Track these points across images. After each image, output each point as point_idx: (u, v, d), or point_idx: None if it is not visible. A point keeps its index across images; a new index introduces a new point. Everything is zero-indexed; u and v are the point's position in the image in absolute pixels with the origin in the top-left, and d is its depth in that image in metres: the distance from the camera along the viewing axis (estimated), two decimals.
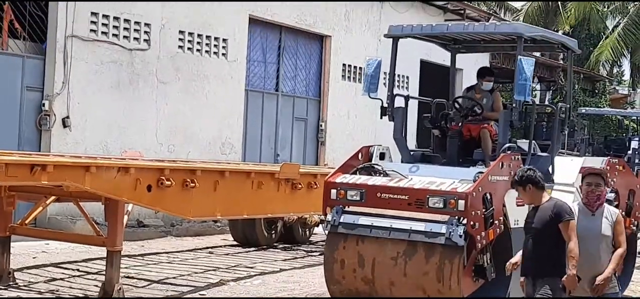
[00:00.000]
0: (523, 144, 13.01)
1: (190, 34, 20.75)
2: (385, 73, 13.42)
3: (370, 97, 12.46)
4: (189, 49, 20.75)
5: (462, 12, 29.99)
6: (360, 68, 25.88)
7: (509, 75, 32.02)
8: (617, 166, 13.82)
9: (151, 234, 18.69)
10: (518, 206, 11.10)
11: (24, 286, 12.83)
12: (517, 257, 9.25)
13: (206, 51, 21.23)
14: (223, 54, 21.67)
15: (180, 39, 20.50)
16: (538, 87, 42.50)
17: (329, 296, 11.67)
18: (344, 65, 25.72)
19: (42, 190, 12.40)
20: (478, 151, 12.68)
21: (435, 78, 27.03)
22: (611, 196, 12.53)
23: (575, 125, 14.77)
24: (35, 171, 10.47)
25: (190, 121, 20.72)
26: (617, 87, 57.36)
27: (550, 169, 12.66)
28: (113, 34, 18.92)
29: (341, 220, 11.26)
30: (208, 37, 21.24)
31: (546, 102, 37.31)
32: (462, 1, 30.43)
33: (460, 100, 13.47)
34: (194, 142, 20.78)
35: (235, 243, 18.53)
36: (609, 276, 8.75)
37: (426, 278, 10.75)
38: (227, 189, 13.80)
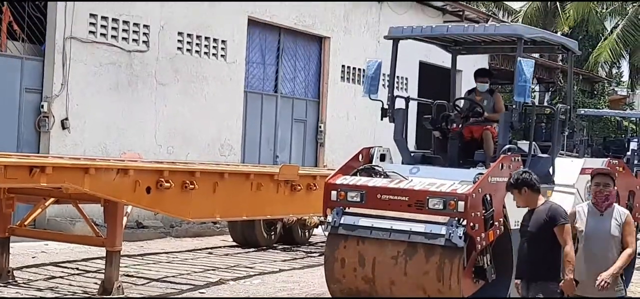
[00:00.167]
0: (523, 145, 12.99)
1: (189, 35, 20.74)
2: (384, 74, 13.41)
3: (370, 98, 12.45)
4: (188, 50, 20.73)
5: (461, 13, 29.96)
6: (360, 69, 25.88)
7: (508, 76, 32.01)
8: (617, 167, 13.81)
9: (150, 235, 18.68)
10: (518, 207, 11.08)
11: (23, 283, 12.86)
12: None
13: (205, 53, 21.21)
14: (222, 56, 21.65)
15: (179, 41, 20.49)
16: (537, 88, 42.53)
17: (329, 295, 11.66)
18: (343, 66, 25.70)
19: (41, 192, 12.40)
20: (479, 153, 12.67)
21: (434, 79, 27.03)
22: None
23: (574, 126, 14.77)
24: (34, 173, 10.46)
25: (190, 123, 20.70)
26: (616, 89, 57.32)
27: (550, 170, 12.65)
28: (112, 36, 18.91)
29: (341, 221, 11.26)
30: (207, 38, 21.23)
31: (545, 104, 37.30)
32: (459, 0, 30.41)
33: (462, 102, 13.47)
34: (193, 144, 20.76)
35: (234, 243, 18.51)
36: (615, 273, 8.62)
37: (426, 278, 10.76)
38: (226, 190, 13.79)
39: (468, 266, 10.91)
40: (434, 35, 13.35)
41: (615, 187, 8.99)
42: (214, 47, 21.42)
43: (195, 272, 14.87)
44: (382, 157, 12.39)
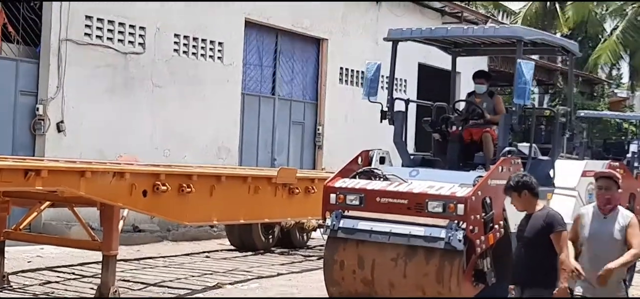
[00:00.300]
0: (523, 147, 12.91)
1: (186, 37, 20.64)
2: (384, 76, 13.34)
3: (370, 101, 12.40)
4: (184, 52, 20.63)
5: (460, 15, 29.92)
6: (358, 71, 25.82)
7: (507, 78, 31.95)
8: (618, 170, 13.70)
9: (147, 239, 18.59)
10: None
11: (19, 288, 12.78)
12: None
13: (202, 55, 21.11)
14: (219, 58, 21.55)
15: (175, 43, 20.38)
16: (536, 90, 42.47)
17: (328, 298, 11.59)
18: (341, 68, 25.62)
19: (36, 195, 12.30)
20: (479, 155, 12.61)
21: (432, 81, 26.94)
22: None
23: (574, 128, 14.66)
24: (30, 176, 10.34)
25: (186, 125, 20.58)
26: (615, 90, 57.30)
27: (551, 173, 12.57)
28: (108, 38, 18.80)
29: (340, 225, 11.25)
30: (204, 40, 21.13)
31: (544, 105, 37.23)
32: (455, 1, 30.36)
33: (462, 104, 13.41)
34: (190, 147, 20.64)
35: (232, 247, 18.42)
36: (617, 267, 8.45)
37: (426, 280, 10.77)
38: (223, 194, 13.70)
39: (468, 269, 10.86)
40: (434, 37, 13.30)
41: (620, 190, 8.84)
42: (210, 49, 21.32)
43: (193, 276, 14.80)
44: (382, 160, 12.36)
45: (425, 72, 28.00)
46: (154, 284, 13.73)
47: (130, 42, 19.28)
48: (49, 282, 13.42)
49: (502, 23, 41.44)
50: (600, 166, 13.38)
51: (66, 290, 12.94)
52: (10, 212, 13.01)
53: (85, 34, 18.33)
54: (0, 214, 12.73)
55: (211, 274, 15.13)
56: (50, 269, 14.53)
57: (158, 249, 17.74)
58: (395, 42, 12.94)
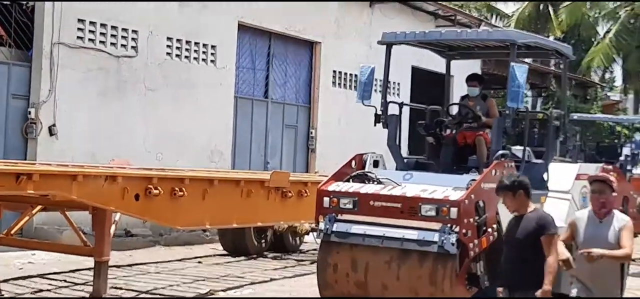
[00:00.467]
0: (516, 151, 12.90)
1: (179, 40, 20.59)
2: (377, 80, 13.32)
3: (364, 104, 12.37)
4: (177, 56, 20.58)
5: (453, 18, 29.90)
6: (351, 75, 25.80)
7: (500, 81, 31.92)
8: (612, 173, 13.71)
9: (139, 243, 18.54)
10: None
11: (10, 297, 12.66)
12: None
13: (195, 58, 21.06)
14: (212, 61, 21.50)
15: (168, 46, 20.33)
16: (529, 93, 42.47)
17: None
18: (334, 72, 25.59)
19: (28, 199, 12.24)
20: (473, 158, 12.60)
21: (426, 84, 26.91)
22: None
23: (567, 131, 14.61)
24: (21, 180, 10.33)
25: (179, 129, 20.53)
26: (608, 93, 57.37)
27: (545, 176, 12.56)
28: (100, 41, 18.74)
29: (334, 228, 11.24)
30: (196, 43, 21.08)
31: (537, 109, 37.24)
32: (447, 0, 30.36)
33: (455, 107, 13.41)
34: (183, 150, 20.58)
35: (224, 252, 18.38)
36: (606, 256, 8.36)
37: (419, 282, 10.78)
38: (216, 197, 13.67)
39: (461, 272, 10.85)
40: (428, 41, 13.31)
41: (614, 194, 8.78)
42: (203, 52, 21.28)
43: (185, 283, 14.72)
44: (376, 164, 12.34)
45: (419, 76, 27.98)
46: (146, 292, 13.64)
47: (122, 45, 19.23)
48: (41, 290, 13.33)
49: (495, 26, 41.47)
50: (593, 169, 13.39)
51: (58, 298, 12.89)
52: (1, 217, 12.92)
53: (78, 37, 18.27)
54: None
55: (203, 280, 15.04)
56: (41, 276, 14.45)
57: (150, 254, 17.69)
58: (389, 46, 12.92)
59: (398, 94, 26.68)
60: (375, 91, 14.03)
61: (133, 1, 19.42)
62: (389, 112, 12.87)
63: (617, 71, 55.57)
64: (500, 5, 52.83)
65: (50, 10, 17.69)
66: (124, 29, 19.25)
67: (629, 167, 27.93)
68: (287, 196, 15.36)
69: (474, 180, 11.11)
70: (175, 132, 20.41)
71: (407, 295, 10.80)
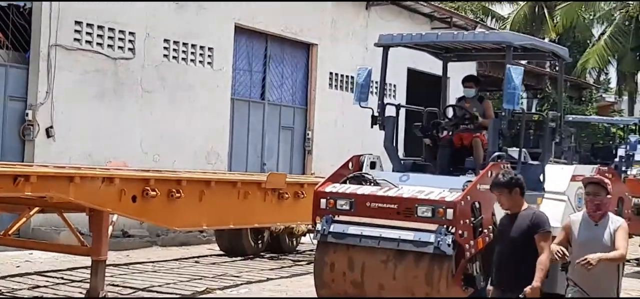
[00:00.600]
0: (512, 152, 12.93)
1: (176, 42, 20.62)
2: (374, 82, 13.37)
3: (361, 106, 12.40)
4: (174, 57, 20.61)
5: (449, 20, 29.95)
6: (347, 76, 25.84)
7: (496, 83, 31.97)
8: (606, 174, 13.76)
9: (136, 244, 18.56)
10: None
11: (7, 292, 12.74)
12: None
13: (191, 60, 21.10)
14: (208, 63, 21.54)
15: (165, 48, 20.36)
16: (524, 95, 42.53)
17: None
18: (330, 73, 25.63)
19: (25, 201, 12.25)
20: (469, 160, 12.63)
21: (421, 86, 26.99)
22: None
23: (562, 133, 14.65)
24: (19, 182, 10.32)
25: (176, 131, 20.56)
26: (603, 95, 57.46)
27: (541, 177, 12.60)
28: (97, 43, 18.77)
29: (331, 229, 11.25)
30: (193, 45, 21.12)
31: (533, 110, 37.31)
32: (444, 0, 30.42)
33: (453, 109, 13.44)
34: (180, 152, 20.61)
35: (221, 252, 18.40)
36: (602, 259, 8.35)
37: (415, 281, 10.79)
38: (213, 199, 13.68)
39: (457, 273, 10.87)
40: (424, 43, 13.33)
41: (609, 196, 8.76)
42: (200, 54, 21.31)
43: (182, 281, 14.78)
44: (372, 165, 12.37)
45: (415, 77, 28.02)
46: (143, 289, 13.71)
47: (119, 47, 19.26)
48: (38, 286, 13.40)
49: (491, 28, 41.54)
50: (589, 170, 13.42)
51: (55, 294, 12.93)
52: None
53: (75, 39, 18.31)
54: None
55: (200, 279, 15.11)
56: (39, 273, 14.52)
57: (147, 255, 17.72)
58: (386, 48, 12.95)
59: (394, 96, 26.72)
60: (372, 92, 14.10)
61: (130, 1, 19.44)
62: (386, 114, 12.91)
63: (612, 73, 55.70)
64: (495, 8, 52.91)
65: (48, 12, 17.72)
66: (121, 31, 19.28)
67: (624, 169, 28.04)
68: (284, 197, 15.37)
69: (470, 181, 11.14)
70: (172, 133, 20.45)
71: (403, 295, 10.83)
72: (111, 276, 14.12)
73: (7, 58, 17.84)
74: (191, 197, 13.15)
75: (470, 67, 26.23)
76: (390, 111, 13.03)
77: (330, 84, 25.69)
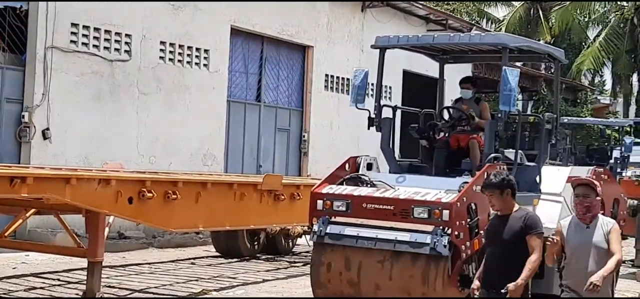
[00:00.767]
0: (509, 154, 12.95)
1: (172, 44, 20.63)
2: (371, 84, 13.39)
3: (357, 108, 12.41)
4: (170, 59, 20.62)
5: (445, 22, 29.99)
6: (343, 78, 25.87)
7: (491, 85, 32.05)
8: (603, 176, 13.81)
9: (132, 245, 18.55)
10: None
11: (4, 294, 12.74)
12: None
13: (188, 62, 21.10)
14: (204, 65, 21.55)
15: (161, 50, 20.37)
16: (520, 97, 42.58)
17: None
18: (326, 75, 25.64)
19: (22, 203, 12.25)
20: (466, 161, 12.65)
21: (417, 88, 27.04)
22: None
23: (557, 135, 14.67)
24: (15, 184, 10.31)
25: (172, 133, 20.57)
26: (598, 97, 57.54)
27: (537, 178, 12.62)
28: (93, 45, 18.77)
29: (327, 230, 11.28)
30: (189, 47, 21.12)
31: (528, 112, 37.37)
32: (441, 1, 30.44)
33: (450, 110, 13.46)
34: (176, 154, 20.63)
35: (217, 254, 18.41)
36: (605, 276, 8.33)
37: (412, 281, 10.82)
38: (209, 200, 13.67)
39: (453, 274, 10.90)
40: (421, 45, 13.34)
41: (598, 198, 8.71)
42: (196, 56, 21.32)
43: (178, 283, 14.79)
44: (369, 166, 12.39)
45: (410, 79, 28.06)
46: (139, 291, 13.72)
47: (116, 49, 19.27)
48: (34, 288, 13.41)
49: (487, 30, 41.59)
50: (585, 172, 13.44)
51: (51, 296, 12.94)
52: None
53: (71, 41, 18.31)
54: None
55: (196, 280, 15.13)
56: (35, 275, 14.52)
57: (143, 256, 17.72)
58: (382, 50, 12.96)
59: (390, 98, 26.74)
60: (368, 94, 14.10)
61: (127, 1, 19.45)
62: (383, 115, 12.92)
63: (607, 75, 55.79)
64: (491, 10, 52.96)
65: (44, 14, 17.72)
66: (118, 33, 19.28)
67: (619, 170, 28.11)
68: (280, 198, 15.36)
69: (466, 183, 11.16)
70: (168, 135, 20.46)
71: (400, 295, 10.85)
72: (107, 278, 14.12)
73: (4, 60, 17.83)
74: (187, 199, 13.15)
75: (465, 69, 26.28)
76: (386, 113, 13.04)
77: (326, 86, 25.71)
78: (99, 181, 11.66)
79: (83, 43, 18.55)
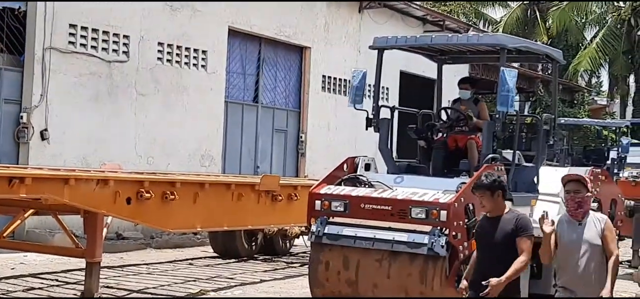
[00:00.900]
0: (507, 154, 12.97)
1: (170, 45, 20.64)
2: (369, 85, 13.41)
3: (356, 108, 12.42)
4: (168, 60, 20.63)
5: (442, 23, 30.01)
6: (340, 79, 25.90)
7: (488, 86, 32.05)
8: (600, 176, 13.83)
9: (130, 246, 18.55)
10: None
11: (2, 295, 12.74)
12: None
13: (185, 63, 21.12)
14: (202, 66, 21.56)
15: (159, 51, 20.38)
16: (517, 98, 42.60)
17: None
18: (323, 76, 25.66)
19: (20, 203, 12.27)
20: (464, 162, 12.66)
21: (414, 89, 27.06)
22: (594, 205, 12.47)
23: (555, 135, 14.67)
24: (14, 184, 10.35)
25: (170, 133, 20.58)
26: (595, 98, 57.57)
27: (535, 179, 12.64)
28: (92, 46, 18.78)
29: (325, 231, 11.31)
30: (187, 48, 21.14)
31: (525, 113, 37.39)
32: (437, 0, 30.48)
33: (448, 111, 13.48)
34: (174, 155, 20.65)
35: (215, 254, 18.42)
36: (613, 284, 8.31)
37: (409, 280, 10.84)
38: (207, 201, 13.71)
39: (451, 275, 10.91)
40: (418, 45, 13.35)
41: (589, 193, 8.68)
42: (194, 57, 21.33)
43: (176, 283, 14.80)
44: (367, 167, 12.40)
45: (407, 80, 28.07)
46: (137, 291, 13.73)
47: (114, 50, 19.28)
48: (33, 288, 13.42)
49: (484, 31, 41.62)
50: (583, 172, 13.45)
51: (50, 296, 12.96)
52: None
53: (69, 42, 18.32)
54: None
55: (194, 281, 15.13)
56: (33, 275, 14.53)
57: (141, 257, 17.72)
58: (380, 51, 12.97)
59: (387, 99, 26.75)
60: (366, 95, 14.12)
61: (125, 1, 19.47)
62: (381, 116, 12.93)
63: (604, 76, 55.82)
64: (488, 11, 52.99)
65: (42, 15, 17.73)
66: (116, 34, 19.29)
67: (616, 171, 28.14)
68: (277, 199, 15.40)
69: (464, 183, 11.18)
70: (166, 136, 20.47)
71: (398, 294, 10.87)
72: (105, 278, 14.13)
73: (2, 61, 17.83)
74: (185, 199, 13.19)
75: (463, 70, 26.31)
76: (384, 113, 13.06)
77: (323, 87, 25.72)
78: (97, 182, 11.70)
79: (81, 44, 18.56)
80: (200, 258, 18.23)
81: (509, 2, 52.60)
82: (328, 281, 11.32)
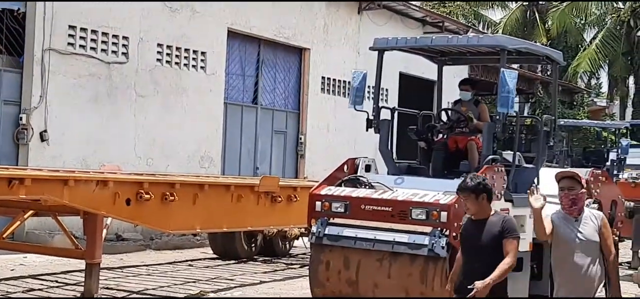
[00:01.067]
0: (507, 156, 12.95)
1: (169, 47, 20.64)
2: (369, 86, 13.38)
3: (356, 109, 12.39)
4: (167, 62, 20.63)
5: (441, 24, 30.01)
6: (339, 81, 25.90)
7: (488, 87, 32.06)
8: (600, 177, 13.81)
9: (130, 247, 18.56)
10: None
11: (2, 295, 12.75)
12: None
13: (185, 64, 21.11)
14: (202, 67, 21.56)
15: (158, 52, 20.38)
16: (517, 99, 42.60)
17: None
18: (323, 78, 25.66)
19: (20, 204, 12.26)
20: (464, 163, 12.63)
21: (414, 90, 27.05)
22: (594, 206, 12.45)
23: (555, 136, 14.68)
24: (13, 185, 10.34)
25: (169, 135, 20.57)
26: (595, 99, 57.59)
27: (535, 180, 12.62)
28: (91, 47, 18.78)
29: (326, 232, 11.29)
30: (186, 50, 21.13)
31: (525, 114, 37.39)
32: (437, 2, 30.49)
33: (448, 112, 13.47)
34: (173, 156, 20.64)
35: (214, 256, 18.41)
36: (618, 285, 8.28)
37: (410, 280, 10.82)
38: (206, 202, 13.71)
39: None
40: (419, 47, 13.31)
41: (583, 190, 8.66)
42: (193, 58, 21.33)
43: (175, 284, 14.81)
44: (368, 168, 12.37)
45: (406, 81, 28.07)
46: (137, 292, 13.73)
47: (113, 51, 19.27)
48: (32, 289, 13.43)
49: (483, 33, 41.61)
50: (583, 173, 13.43)
51: (49, 297, 12.97)
52: None
53: (69, 43, 18.31)
54: None
55: (194, 282, 15.15)
56: (33, 277, 14.53)
57: (141, 258, 17.73)
58: (381, 52, 12.95)
59: (386, 100, 26.75)
60: (366, 97, 14.11)
61: (124, 1, 19.46)
62: (381, 117, 12.91)
63: (604, 77, 55.85)
64: (488, 12, 53.00)
65: (41, 16, 17.73)
66: (115, 36, 19.29)
67: (615, 172, 28.14)
68: (277, 200, 15.40)
69: None
70: (165, 138, 20.47)
71: (398, 294, 10.86)
72: (105, 279, 14.13)
73: (1, 62, 17.83)
74: (185, 201, 13.18)
75: (462, 72, 26.36)
76: (385, 115, 13.04)
77: (323, 89, 25.72)
78: (97, 183, 11.71)
79: (80, 45, 18.56)
80: (200, 259, 18.23)
81: (508, 3, 52.62)
82: (328, 280, 11.31)
